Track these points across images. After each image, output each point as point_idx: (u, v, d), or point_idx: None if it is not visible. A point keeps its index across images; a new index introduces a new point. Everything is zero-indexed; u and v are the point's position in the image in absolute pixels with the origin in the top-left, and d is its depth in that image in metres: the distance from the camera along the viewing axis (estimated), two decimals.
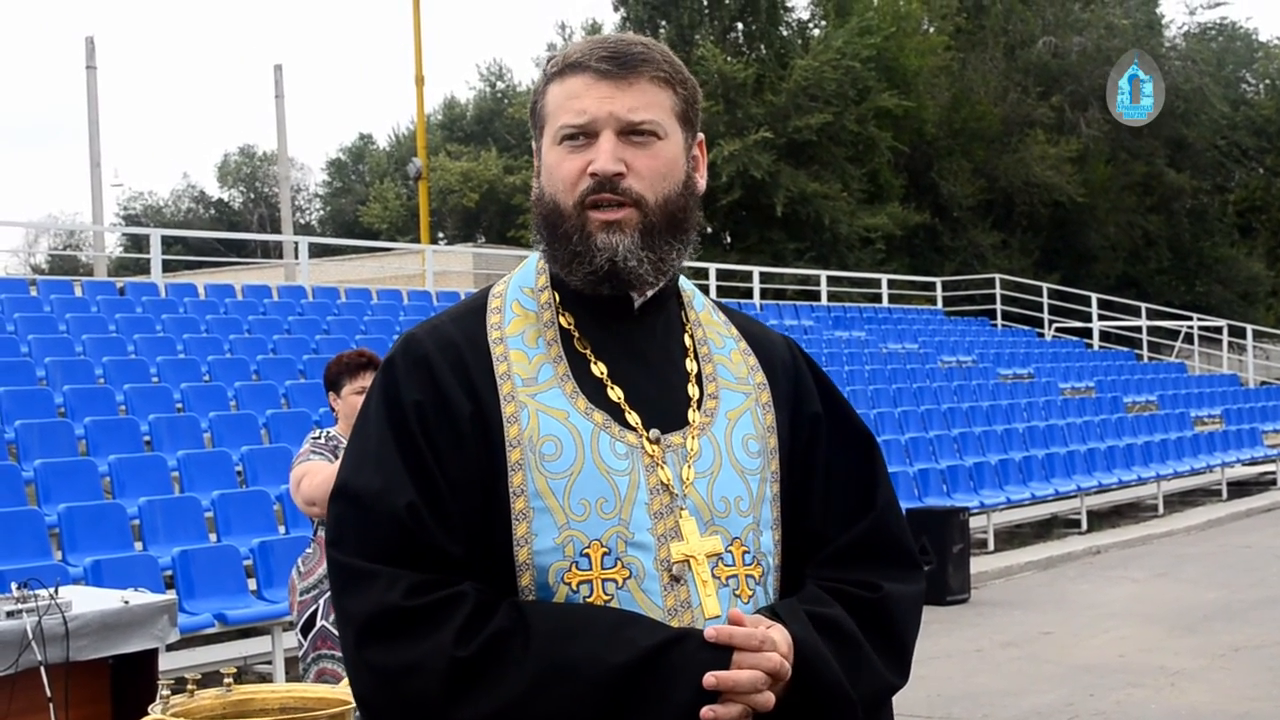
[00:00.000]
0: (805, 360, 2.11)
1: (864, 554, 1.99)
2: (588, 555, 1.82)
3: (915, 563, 2.05)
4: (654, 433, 1.91)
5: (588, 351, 1.95)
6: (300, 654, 5.21)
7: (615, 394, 1.92)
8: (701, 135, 2.02)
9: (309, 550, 5.35)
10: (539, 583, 1.81)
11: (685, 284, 2.08)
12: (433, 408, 1.85)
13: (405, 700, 1.76)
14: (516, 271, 2.03)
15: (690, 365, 2.00)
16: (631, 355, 1.96)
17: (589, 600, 1.81)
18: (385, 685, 1.76)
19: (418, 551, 1.79)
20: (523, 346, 1.93)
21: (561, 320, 1.96)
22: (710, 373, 2.00)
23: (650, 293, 1.97)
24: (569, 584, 1.81)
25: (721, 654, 1.75)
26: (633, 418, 1.91)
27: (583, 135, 1.89)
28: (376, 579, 1.77)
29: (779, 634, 1.80)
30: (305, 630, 5.17)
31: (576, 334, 1.95)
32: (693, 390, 1.97)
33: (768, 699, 1.76)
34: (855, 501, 2.01)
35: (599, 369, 1.93)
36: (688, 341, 2.02)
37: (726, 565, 1.88)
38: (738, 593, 1.89)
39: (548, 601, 1.81)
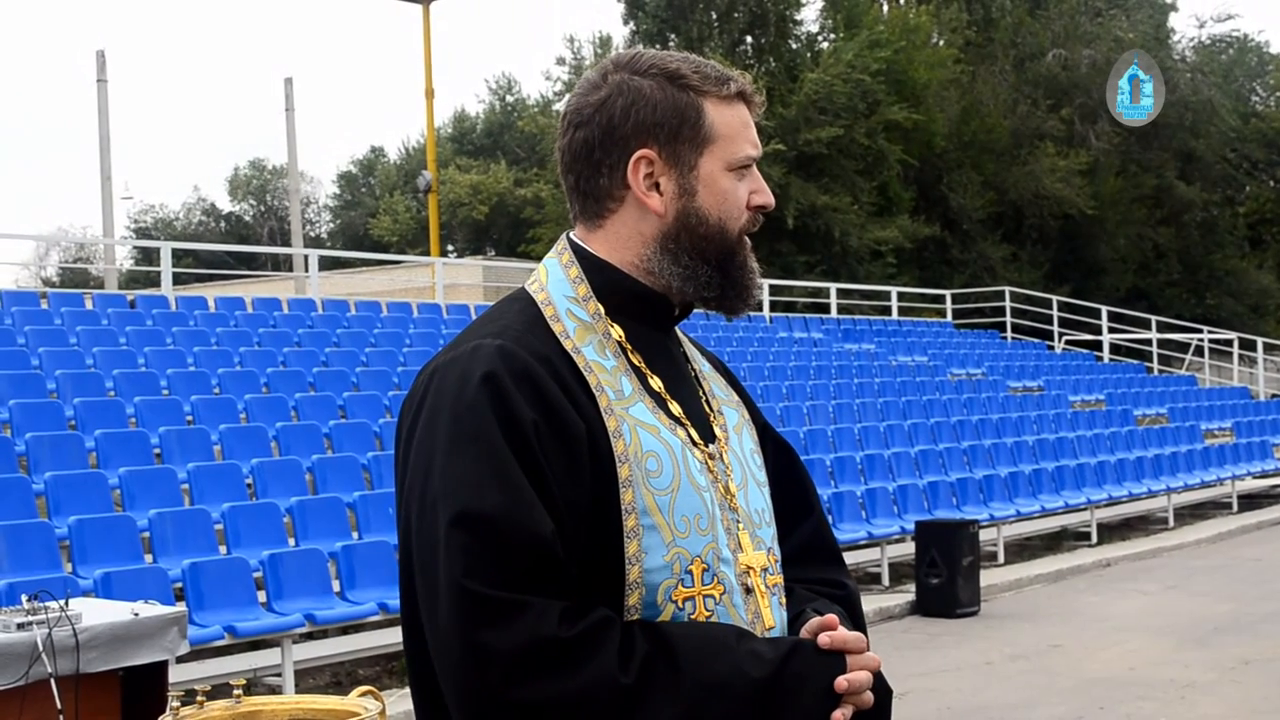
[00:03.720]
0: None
1: (815, 555, 2.11)
2: (691, 572, 1.82)
3: (843, 559, 2.18)
4: (712, 447, 1.93)
5: (642, 364, 1.91)
6: None
7: (675, 409, 1.91)
8: None
9: None
10: (646, 601, 1.79)
11: None
12: (547, 426, 1.76)
13: None
14: (547, 280, 1.94)
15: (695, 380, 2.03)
16: (672, 368, 1.97)
17: (693, 617, 1.81)
18: None
19: (559, 578, 1.72)
20: (599, 358, 1.86)
21: (613, 331, 1.91)
22: (708, 389, 2.03)
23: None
24: (675, 601, 1.80)
25: (837, 659, 1.81)
26: (693, 432, 1.91)
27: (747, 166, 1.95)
28: (527, 609, 1.67)
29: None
30: None
31: (629, 346, 1.91)
32: (705, 405, 1.99)
33: (870, 698, 1.84)
34: (795, 506, 2.10)
35: (655, 382, 1.91)
36: (686, 357, 2.05)
37: (772, 575, 1.95)
38: (781, 601, 1.96)
39: (672, 622, 1.79)
